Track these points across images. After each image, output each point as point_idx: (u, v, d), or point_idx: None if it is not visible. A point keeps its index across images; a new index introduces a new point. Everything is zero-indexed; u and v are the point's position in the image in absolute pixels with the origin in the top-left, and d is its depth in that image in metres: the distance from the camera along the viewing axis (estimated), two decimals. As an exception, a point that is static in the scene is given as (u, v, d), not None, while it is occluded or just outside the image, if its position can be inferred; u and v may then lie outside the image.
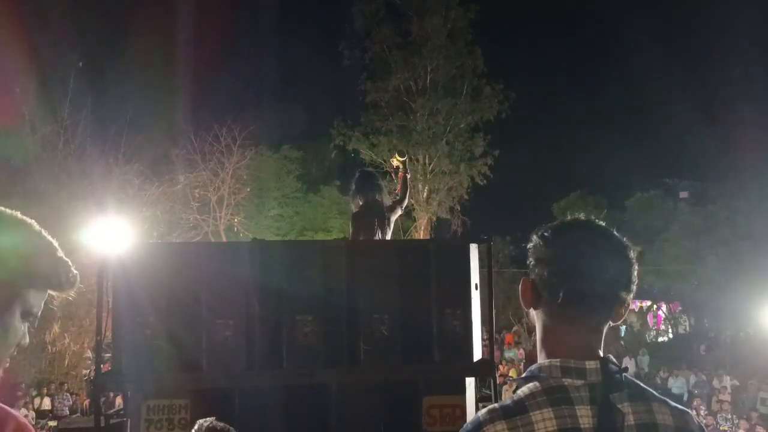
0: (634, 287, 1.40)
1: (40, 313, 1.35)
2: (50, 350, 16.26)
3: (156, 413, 3.91)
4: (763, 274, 18.04)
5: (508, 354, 20.26)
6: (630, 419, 1.33)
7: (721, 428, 13.24)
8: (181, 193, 20.66)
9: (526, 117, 29.77)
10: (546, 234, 1.44)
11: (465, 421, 4.06)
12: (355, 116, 23.51)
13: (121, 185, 18.24)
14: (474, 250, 4.33)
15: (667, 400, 1.40)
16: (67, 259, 1.36)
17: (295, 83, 29.60)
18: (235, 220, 22.40)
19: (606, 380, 1.34)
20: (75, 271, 1.37)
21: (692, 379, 17.42)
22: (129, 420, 4.03)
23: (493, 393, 4.20)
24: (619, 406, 1.33)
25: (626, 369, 1.39)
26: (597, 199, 28.34)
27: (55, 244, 1.36)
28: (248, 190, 22.76)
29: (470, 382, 4.25)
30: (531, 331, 21.38)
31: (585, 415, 1.31)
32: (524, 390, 1.36)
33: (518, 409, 1.32)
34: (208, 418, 3.03)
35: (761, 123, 22.08)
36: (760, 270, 18.53)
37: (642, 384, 1.41)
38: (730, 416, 13.87)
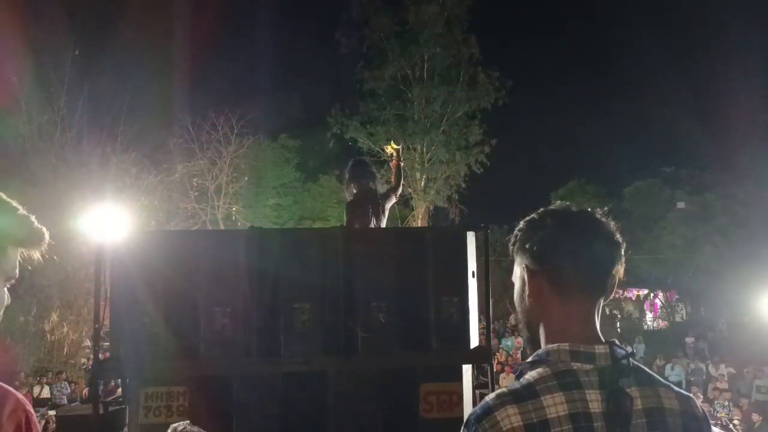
0: (622, 264, 1.45)
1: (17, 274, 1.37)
2: (49, 339, 16.29)
3: (154, 400, 3.93)
4: (760, 263, 18.09)
5: (506, 342, 20.32)
6: (638, 403, 1.34)
7: (718, 415, 13.31)
8: (179, 182, 20.65)
9: (525, 105, 29.77)
10: (540, 219, 1.47)
11: (462, 408, 4.09)
12: (353, 105, 23.49)
13: (119, 174, 18.21)
14: (471, 239, 4.33)
15: (671, 384, 1.43)
16: (28, 215, 1.38)
17: (292, 72, 29.54)
18: (233, 209, 22.40)
19: (614, 364, 1.36)
20: (39, 226, 1.39)
21: (690, 366, 17.51)
22: (127, 407, 4.05)
23: (489, 380, 4.22)
24: (628, 390, 1.34)
25: (633, 353, 1.41)
26: (595, 187, 28.37)
27: (14, 203, 1.36)
28: (246, 179, 22.77)
29: (467, 370, 4.26)
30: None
31: (595, 400, 1.32)
32: (533, 374, 1.37)
33: (528, 394, 1.33)
34: (182, 422, 3.04)
35: (759, 112, 22.06)
36: (756, 258, 18.58)
37: (647, 369, 1.44)
38: (727, 403, 13.94)
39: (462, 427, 1.37)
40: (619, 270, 1.45)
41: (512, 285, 1.54)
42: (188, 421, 3.03)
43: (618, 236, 1.46)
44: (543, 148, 32.18)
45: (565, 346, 1.37)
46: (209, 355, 4.00)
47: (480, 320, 4.62)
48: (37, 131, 17.75)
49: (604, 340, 1.40)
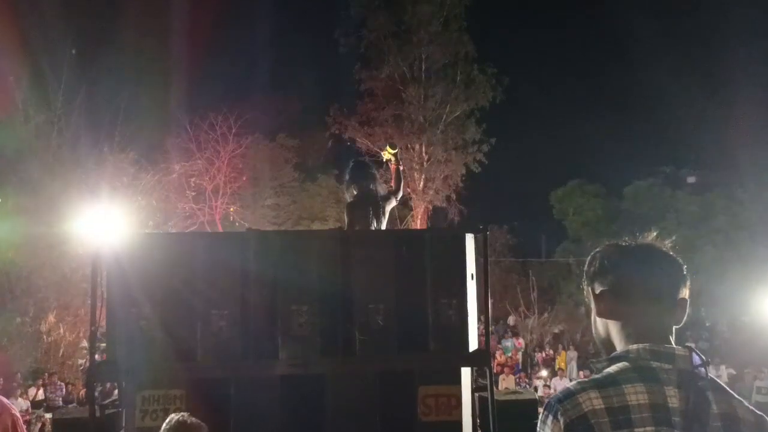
0: (688, 286, 1.56)
1: None
2: (45, 340, 16.27)
3: (151, 404, 3.93)
4: (760, 263, 18.10)
5: (505, 343, 20.31)
6: (714, 408, 1.40)
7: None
8: (177, 182, 20.64)
9: (524, 105, 29.79)
10: (609, 249, 1.62)
11: (460, 411, 4.09)
12: (351, 105, 23.47)
13: (116, 174, 18.20)
14: (470, 240, 4.33)
15: (743, 400, 1.49)
16: None
17: (291, 71, 29.52)
18: (231, 209, 22.39)
19: (693, 369, 1.43)
20: None
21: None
22: (124, 410, 4.05)
23: (489, 383, 4.22)
24: (706, 394, 1.41)
25: (709, 362, 1.48)
26: (595, 187, 28.33)
27: None
28: (244, 179, 22.76)
29: (466, 372, 4.26)
30: (528, 320, 21.46)
31: (673, 396, 1.39)
32: (613, 368, 1.45)
33: (610, 382, 1.41)
34: (181, 413, 3.04)
35: (760, 113, 22.08)
36: (756, 259, 18.59)
37: (720, 382, 1.51)
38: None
39: (542, 410, 1.45)
40: (686, 292, 1.55)
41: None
42: (187, 413, 3.03)
43: (679, 259, 1.57)
44: (543, 147, 32.20)
45: (646, 345, 1.46)
46: (206, 357, 4.00)
47: (479, 322, 4.62)
48: (34, 131, 17.73)
49: (683, 345, 1.49)
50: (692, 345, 1.49)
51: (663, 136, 30.05)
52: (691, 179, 26.97)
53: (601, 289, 1.55)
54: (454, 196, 23.07)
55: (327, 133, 23.62)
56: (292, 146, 26.42)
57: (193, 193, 21.33)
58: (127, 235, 4.91)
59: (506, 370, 16.96)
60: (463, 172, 22.86)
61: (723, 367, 16.85)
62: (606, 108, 33.06)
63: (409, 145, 22.44)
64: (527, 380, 17.21)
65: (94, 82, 18.64)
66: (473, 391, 4.36)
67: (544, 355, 19.87)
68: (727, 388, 1.48)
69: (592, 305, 1.59)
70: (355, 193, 5.54)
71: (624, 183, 27.98)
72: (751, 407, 1.47)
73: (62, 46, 18.07)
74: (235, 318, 4.04)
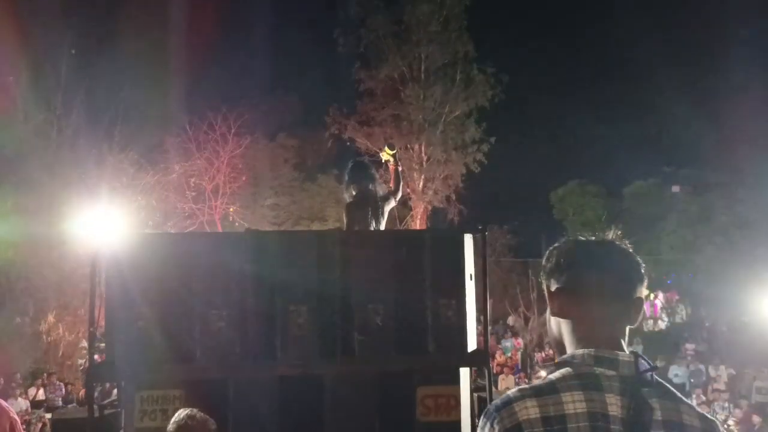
0: (644, 285, 1.53)
1: None
2: (45, 340, 16.27)
3: (150, 404, 3.93)
4: (760, 263, 18.11)
5: (505, 344, 20.32)
6: (658, 415, 1.38)
7: (718, 417, 13.33)
8: (176, 182, 20.62)
9: (524, 104, 29.73)
10: (566, 245, 1.58)
11: (459, 411, 4.10)
12: (351, 104, 23.47)
13: (115, 174, 18.20)
14: (469, 240, 4.34)
15: (694, 405, 1.47)
16: None
17: (290, 71, 29.51)
18: (231, 209, 22.38)
19: (638, 375, 1.40)
20: None
21: (690, 368, 17.52)
22: (123, 411, 4.06)
23: (488, 384, 4.22)
24: (650, 401, 1.38)
25: (657, 368, 1.45)
26: (596, 187, 28.33)
27: None
28: (244, 179, 22.73)
29: (465, 373, 4.27)
30: (527, 320, 21.46)
31: (614, 404, 1.36)
32: (556, 374, 1.43)
33: (549, 390, 1.39)
34: (190, 409, 3.07)
35: (760, 112, 22.08)
36: (757, 259, 18.59)
37: (669, 387, 1.48)
38: (726, 405, 13.96)
39: (482, 416, 1.43)
40: (642, 291, 1.52)
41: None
42: (197, 409, 3.06)
43: (638, 258, 1.55)
44: (543, 146, 32.09)
45: (591, 350, 1.43)
46: (205, 358, 4.01)
47: (478, 322, 4.63)
48: (34, 131, 17.72)
49: (629, 351, 1.45)
50: (638, 350, 1.46)
51: (663, 136, 30.03)
52: (690, 179, 26.95)
53: (556, 286, 1.52)
54: (453, 196, 23.05)
55: (326, 133, 23.60)
56: (291, 146, 26.42)
57: (193, 193, 21.31)
58: (127, 235, 4.92)
59: (506, 370, 16.98)
60: (463, 172, 22.85)
61: (723, 367, 16.86)
62: (606, 107, 33.05)
63: (408, 145, 22.43)
64: (527, 380, 17.20)
65: (94, 82, 18.63)
66: (472, 391, 4.36)
67: (543, 355, 19.87)
68: (678, 394, 1.45)
69: (548, 303, 1.57)
70: (354, 193, 5.55)
71: (624, 183, 28.00)
72: (703, 413, 1.44)
73: (62, 45, 18.07)
74: (234, 318, 4.04)
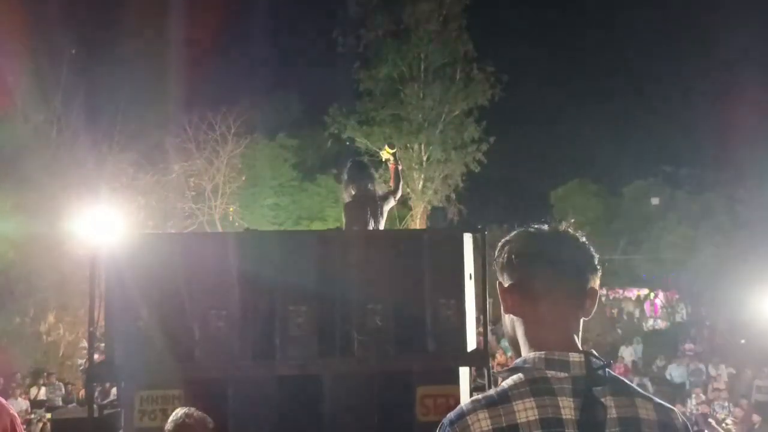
0: (598, 276, 1.49)
1: None
2: (45, 340, 16.27)
3: (149, 404, 3.94)
4: (761, 262, 18.09)
5: (505, 343, 20.31)
6: (612, 412, 1.36)
7: (718, 416, 13.33)
8: (176, 182, 20.63)
9: (524, 103, 29.74)
10: (518, 238, 1.53)
11: (458, 410, 4.10)
12: (350, 104, 23.47)
13: (115, 174, 18.20)
14: (468, 240, 4.35)
15: (652, 396, 1.45)
16: None
17: (290, 71, 29.57)
18: (231, 209, 22.39)
19: (589, 374, 1.38)
20: None
21: (690, 367, 17.52)
22: (123, 410, 4.06)
23: (487, 383, 4.23)
24: (602, 399, 1.36)
25: (609, 364, 1.43)
26: (596, 186, 28.36)
27: None
28: (243, 179, 22.73)
29: (464, 372, 4.27)
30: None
31: (567, 407, 1.34)
32: (508, 381, 1.40)
33: (501, 399, 1.36)
34: (187, 407, 3.09)
35: (760, 111, 22.07)
36: (757, 258, 18.58)
37: (625, 380, 1.46)
38: (726, 404, 13.96)
39: (437, 429, 1.41)
40: (595, 281, 1.49)
41: None
42: (192, 408, 3.07)
43: (591, 248, 1.50)
44: (543, 146, 32.14)
45: (541, 354, 1.40)
46: (204, 358, 4.01)
47: (478, 322, 4.63)
48: (33, 131, 17.73)
49: (581, 350, 1.42)
50: (590, 348, 1.44)
51: (663, 135, 30.04)
52: (691, 179, 26.97)
53: (509, 282, 1.49)
54: (453, 196, 23.07)
55: (326, 133, 23.61)
56: (291, 146, 26.43)
57: (193, 193, 21.32)
58: (126, 235, 4.93)
59: (506, 369, 16.93)
60: (463, 171, 22.86)
61: (723, 366, 16.85)
62: (606, 106, 33.06)
63: (408, 145, 22.44)
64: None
65: (94, 82, 18.63)
66: (472, 390, 4.37)
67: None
68: (635, 387, 1.43)
69: (500, 300, 1.53)
70: (353, 192, 5.55)
71: (624, 182, 28.01)
72: (659, 402, 1.42)
73: (62, 45, 18.07)
74: (233, 318, 4.05)
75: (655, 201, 26.43)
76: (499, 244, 1.54)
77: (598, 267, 1.49)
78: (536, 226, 1.54)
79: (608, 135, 29.65)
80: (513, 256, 1.49)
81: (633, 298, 28.35)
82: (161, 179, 19.71)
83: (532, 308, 1.46)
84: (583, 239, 1.50)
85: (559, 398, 1.35)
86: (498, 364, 17.20)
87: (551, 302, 1.44)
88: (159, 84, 20.00)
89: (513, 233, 1.54)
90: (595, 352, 1.42)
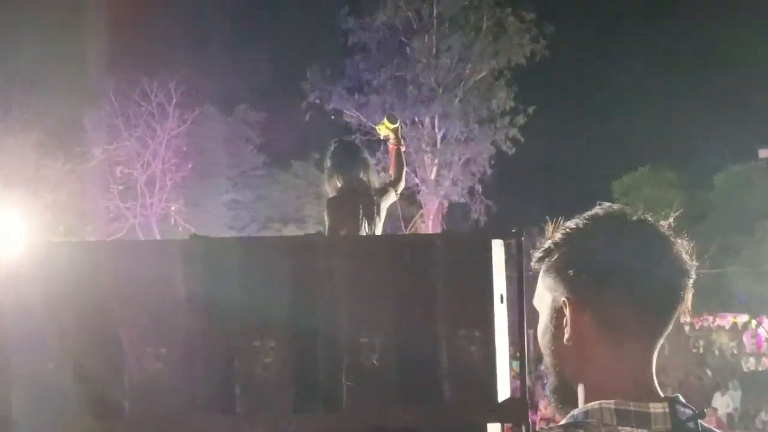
0: (690, 288, 1.48)
1: None
2: None
3: (62, 476, 3.95)
4: None
5: (551, 389, 20.33)
6: None
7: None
8: (98, 172, 20.67)
9: (575, 62, 29.71)
10: (586, 232, 1.49)
11: (486, 482, 4.10)
12: (337, 64, 23.50)
13: (12, 162, 18.21)
14: (499, 248, 4.34)
15: None
16: None
17: (253, 21, 29.56)
18: (172, 208, 22.46)
19: (675, 429, 1.38)
20: None
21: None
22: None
23: (526, 444, 4.23)
24: None
25: (702, 414, 1.43)
26: (675, 174, 28.33)
27: None
28: (190, 166, 22.81)
29: (494, 430, 4.28)
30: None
31: None
32: None
33: None
34: None
35: None
36: None
37: None
38: None
39: None
40: (688, 297, 1.49)
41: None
42: None
43: (688, 258, 1.49)
44: (601, 120, 32.13)
45: (610, 404, 1.40)
46: (136, 412, 4.01)
47: (513, 360, 4.64)
48: None
49: (663, 396, 1.43)
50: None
51: (765, 109, 30.01)
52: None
53: (566, 296, 1.47)
54: (478, 188, 23.12)
55: (303, 104, 23.66)
56: (255, 122, 26.51)
57: (120, 187, 21.39)
58: (28, 245, 4.92)
59: (553, 426, 16.97)
60: (491, 153, 22.91)
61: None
62: (688, 72, 33.03)
63: (416, 119, 22.50)
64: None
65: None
66: (505, 457, 4.38)
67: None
68: None
69: (566, 321, 1.48)
70: (339, 184, 5.58)
71: (714, 169, 28.03)
72: None
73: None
74: (176, 358, 4.05)
75: (756, 194, 26.41)
76: (555, 237, 1.53)
77: (693, 275, 1.48)
78: (611, 210, 1.52)
79: (692, 107, 29.59)
80: (577, 257, 1.48)
81: (727, 327, 28.39)
82: (77, 168, 19.72)
83: (607, 341, 1.45)
84: (679, 242, 1.49)
85: None
86: (542, 419, 17.25)
87: (637, 334, 1.44)
88: (74, 40, 20.02)
89: (572, 222, 1.52)
90: (681, 399, 1.43)
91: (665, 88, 31.06)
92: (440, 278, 4.19)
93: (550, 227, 1.56)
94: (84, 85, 21.29)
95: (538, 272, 1.54)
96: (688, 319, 25.63)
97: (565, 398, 1.52)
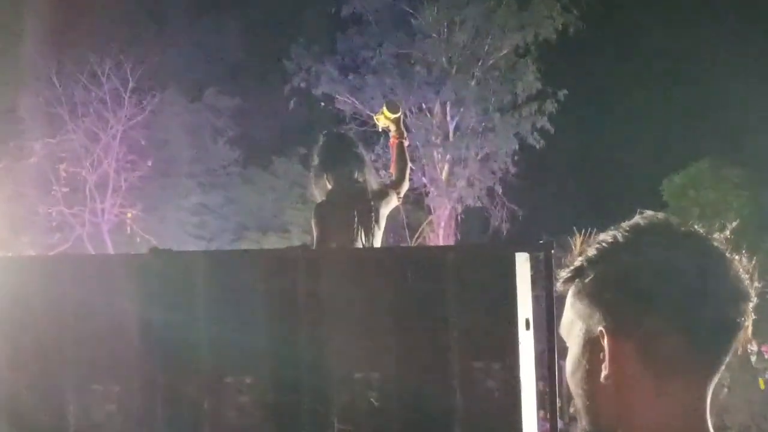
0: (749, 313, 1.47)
1: None
2: None
3: None
4: None
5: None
6: None
7: None
8: (37, 171, 20.69)
9: (617, 40, 29.76)
10: (629, 246, 1.46)
11: None
12: (327, 40, 23.55)
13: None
14: (524, 263, 4.35)
15: None
16: None
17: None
18: (128, 214, 22.46)
19: None
20: None
21: None
22: None
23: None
24: None
25: None
26: (739, 171, 28.32)
27: None
28: (149, 164, 22.82)
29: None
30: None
31: None
32: None
33: None
34: None
35: None
36: None
37: None
38: None
39: None
40: (748, 328, 1.48)
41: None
42: None
43: (747, 278, 1.47)
44: (647, 105, 32.16)
45: None
46: (84, 465, 4.02)
47: (543, 399, 4.64)
48: None
49: None
50: None
51: None
52: None
53: (602, 325, 1.43)
54: (498, 189, 23.15)
55: (286, 88, 23.70)
56: (227, 109, 26.49)
57: (65, 189, 21.39)
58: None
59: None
60: (515, 148, 22.94)
61: None
62: (751, 45, 33.08)
63: (423, 105, 22.53)
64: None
65: None
66: None
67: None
68: None
69: (604, 356, 1.44)
70: (330, 186, 5.58)
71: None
72: None
73: None
74: (132, 398, 4.05)
75: None
76: (587, 253, 1.49)
77: (753, 299, 1.46)
78: (656, 220, 1.49)
79: (760, 89, 29.60)
80: (623, 282, 1.45)
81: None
82: (12, 166, 19.75)
83: (653, 379, 1.42)
84: (736, 261, 1.47)
85: None
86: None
87: (690, 369, 1.42)
88: (7, 8, 20.07)
89: (624, 231, 1.48)
90: None
91: (726, 68, 31.10)
92: (453, 300, 4.20)
93: (577, 240, 1.55)
94: (20, 66, 21.35)
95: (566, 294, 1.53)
96: (755, 348, 25.66)
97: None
